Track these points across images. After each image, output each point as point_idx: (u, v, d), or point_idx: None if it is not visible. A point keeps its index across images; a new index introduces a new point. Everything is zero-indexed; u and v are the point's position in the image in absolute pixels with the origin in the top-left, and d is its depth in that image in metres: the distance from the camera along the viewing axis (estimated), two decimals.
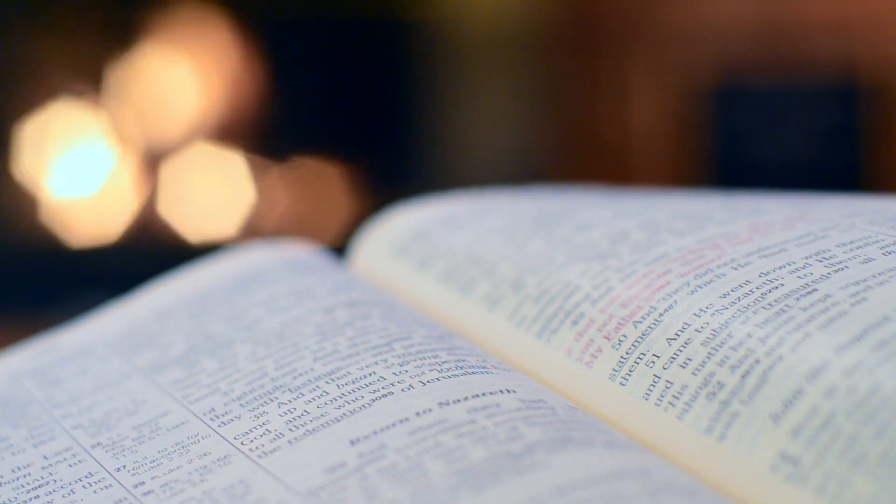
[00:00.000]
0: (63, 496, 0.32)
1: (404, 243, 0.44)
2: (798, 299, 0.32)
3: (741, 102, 1.64)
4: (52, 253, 1.63)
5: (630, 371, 0.33)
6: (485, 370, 0.33)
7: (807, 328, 0.31)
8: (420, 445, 0.30)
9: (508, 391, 0.32)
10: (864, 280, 0.32)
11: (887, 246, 0.34)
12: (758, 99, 1.64)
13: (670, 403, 0.31)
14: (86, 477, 0.33)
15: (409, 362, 0.34)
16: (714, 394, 0.31)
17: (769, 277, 0.33)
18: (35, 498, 0.32)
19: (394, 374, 0.33)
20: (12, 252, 1.63)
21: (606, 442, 0.30)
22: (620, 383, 0.33)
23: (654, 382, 0.32)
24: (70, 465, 0.34)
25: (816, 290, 0.32)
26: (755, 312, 0.32)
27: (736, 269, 0.34)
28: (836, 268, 0.33)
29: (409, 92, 1.71)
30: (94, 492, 0.32)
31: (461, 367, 0.33)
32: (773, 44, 1.63)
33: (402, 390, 0.32)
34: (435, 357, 0.34)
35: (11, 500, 0.33)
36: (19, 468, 0.34)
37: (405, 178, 1.65)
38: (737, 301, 0.33)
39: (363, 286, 0.41)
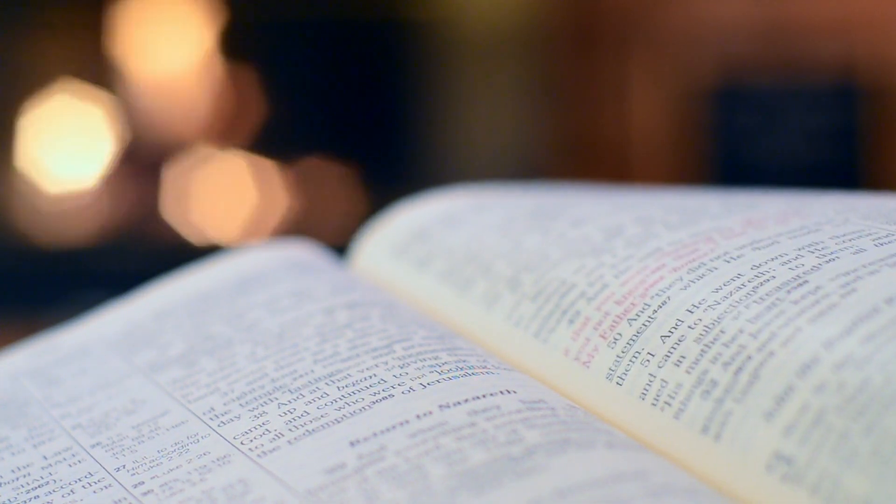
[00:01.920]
0: (63, 496, 0.32)
1: (404, 243, 0.43)
2: (789, 292, 0.32)
3: (741, 102, 1.64)
4: (51, 253, 1.63)
5: (626, 370, 0.33)
6: (485, 370, 0.33)
7: (797, 322, 0.30)
8: (420, 448, 0.30)
9: (509, 392, 0.32)
10: (855, 270, 0.32)
11: (880, 238, 0.33)
12: (758, 99, 1.64)
13: (666, 403, 0.31)
14: (85, 477, 0.33)
15: (409, 364, 0.34)
16: (708, 392, 0.30)
17: (761, 270, 0.33)
18: (35, 498, 0.32)
19: (394, 376, 0.33)
20: (12, 252, 1.63)
21: (606, 443, 0.30)
22: (617, 383, 0.33)
23: (650, 382, 0.32)
24: (70, 465, 0.33)
25: (807, 281, 0.32)
26: (747, 307, 0.32)
27: (728, 262, 0.34)
28: (827, 259, 0.33)
29: (409, 92, 1.71)
30: (94, 492, 0.32)
31: (461, 369, 0.33)
32: (773, 44, 1.63)
33: (403, 393, 0.32)
34: (435, 358, 0.34)
35: (11, 500, 0.33)
36: (19, 468, 0.34)
37: (405, 177, 1.65)
38: (729, 295, 0.33)
39: (363, 287, 0.41)
